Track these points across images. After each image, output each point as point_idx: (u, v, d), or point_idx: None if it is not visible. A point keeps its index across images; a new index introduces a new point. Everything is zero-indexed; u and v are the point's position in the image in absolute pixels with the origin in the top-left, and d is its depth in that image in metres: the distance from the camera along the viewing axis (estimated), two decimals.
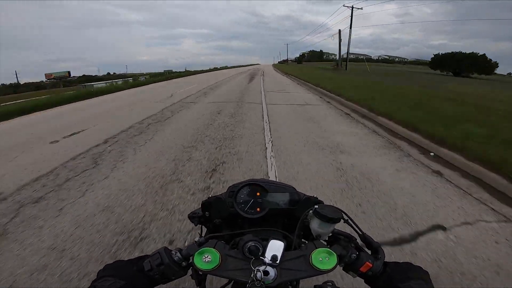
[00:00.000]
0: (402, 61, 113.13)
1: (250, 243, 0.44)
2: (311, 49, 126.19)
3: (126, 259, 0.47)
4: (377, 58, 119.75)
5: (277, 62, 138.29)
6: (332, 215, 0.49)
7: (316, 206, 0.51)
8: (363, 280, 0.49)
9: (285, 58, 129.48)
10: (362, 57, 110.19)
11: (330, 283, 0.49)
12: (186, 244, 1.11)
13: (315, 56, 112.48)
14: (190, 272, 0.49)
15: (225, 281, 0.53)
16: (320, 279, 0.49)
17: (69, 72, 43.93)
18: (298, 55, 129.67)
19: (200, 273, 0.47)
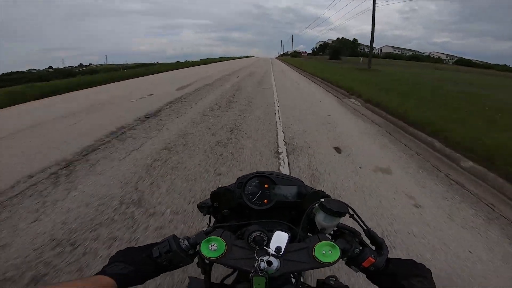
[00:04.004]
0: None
1: (255, 233, 0.50)
2: (341, 37, 75.60)
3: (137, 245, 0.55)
4: (447, 58, 77.70)
5: (278, 55, 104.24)
6: (337, 209, 0.54)
7: (322, 200, 0.57)
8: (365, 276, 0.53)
9: (290, 50, 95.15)
10: (411, 53, 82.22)
11: (333, 278, 0.62)
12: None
13: (345, 48, 64.22)
14: (196, 260, 0.57)
15: (230, 270, 0.65)
16: (323, 274, 0.64)
17: None
18: (317, 45, 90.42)
19: (206, 261, 0.55)
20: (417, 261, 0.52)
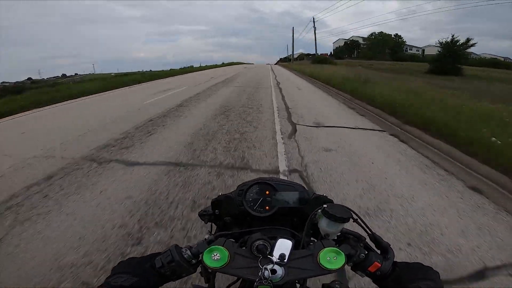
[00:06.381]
0: None
1: (258, 242, 0.52)
2: (377, 31, 58.95)
3: (139, 256, 0.56)
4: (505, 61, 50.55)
5: (278, 61, 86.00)
6: (340, 215, 0.57)
7: (325, 206, 0.60)
8: (371, 280, 0.56)
9: (294, 53, 59.38)
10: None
11: (338, 282, 0.62)
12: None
13: (385, 48, 53.15)
14: (199, 269, 0.60)
15: (233, 278, 0.63)
16: (328, 278, 0.69)
17: None
18: (336, 45, 66.92)
19: (209, 270, 0.58)
20: (424, 264, 0.54)
